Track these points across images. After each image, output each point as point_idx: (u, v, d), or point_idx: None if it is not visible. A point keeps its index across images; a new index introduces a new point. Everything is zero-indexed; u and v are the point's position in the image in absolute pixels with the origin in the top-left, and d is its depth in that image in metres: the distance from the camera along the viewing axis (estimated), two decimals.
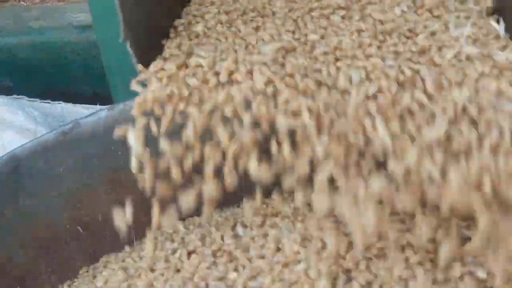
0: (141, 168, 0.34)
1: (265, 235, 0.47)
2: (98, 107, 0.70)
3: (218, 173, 0.32)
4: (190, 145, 0.31)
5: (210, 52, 0.32)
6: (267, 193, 0.50)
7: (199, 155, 0.32)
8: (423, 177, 0.28)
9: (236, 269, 0.44)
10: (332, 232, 0.40)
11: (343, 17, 0.36)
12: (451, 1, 0.37)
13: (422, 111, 0.29)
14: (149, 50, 0.32)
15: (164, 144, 0.32)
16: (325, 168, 0.29)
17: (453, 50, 0.32)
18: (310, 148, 0.29)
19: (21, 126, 0.67)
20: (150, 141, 0.34)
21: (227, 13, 0.37)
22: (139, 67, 0.31)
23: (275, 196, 0.50)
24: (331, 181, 0.30)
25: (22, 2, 1.47)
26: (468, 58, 0.32)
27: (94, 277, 0.51)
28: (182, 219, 0.53)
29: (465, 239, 0.37)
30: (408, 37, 0.34)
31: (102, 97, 0.79)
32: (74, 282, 0.51)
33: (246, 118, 0.29)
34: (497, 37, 0.34)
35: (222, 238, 0.48)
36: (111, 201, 0.54)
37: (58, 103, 0.72)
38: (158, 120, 0.32)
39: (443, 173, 0.28)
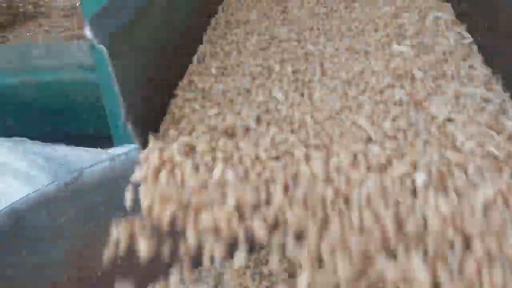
0: None
1: None
2: (99, 150, 0.70)
3: None
4: None
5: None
6: None
7: None
8: None
9: None
10: None
11: None
12: None
13: None
14: (149, 129, 0.33)
15: None
16: None
17: None
18: None
19: (22, 171, 0.67)
20: None
21: None
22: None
23: None
24: None
25: (27, 33, 1.50)
26: None
27: None
28: None
29: None
30: None
31: (105, 137, 0.80)
32: None
33: None
34: None
35: None
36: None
37: (60, 146, 0.72)
38: None
39: None
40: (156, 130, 0.33)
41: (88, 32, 0.26)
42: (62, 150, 0.71)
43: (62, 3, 1.72)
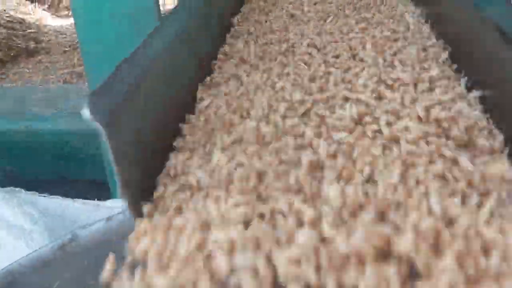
0: None
1: None
2: (97, 203, 0.69)
3: None
4: None
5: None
6: None
7: None
8: None
9: None
10: None
11: None
12: None
13: None
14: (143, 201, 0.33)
15: None
16: None
17: None
18: None
19: (16, 224, 0.66)
20: None
21: None
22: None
23: None
24: None
25: (26, 70, 1.51)
26: None
27: None
28: None
29: None
30: None
31: (101, 185, 0.79)
32: None
33: None
34: None
35: None
36: None
37: (56, 198, 0.71)
38: None
39: None
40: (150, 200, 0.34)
41: (86, 113, 0.27)
42: (58, 202, 0.70)
43: (63, 39, 1.74)
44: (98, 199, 0.73)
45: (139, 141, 0.35)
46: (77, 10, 0.77)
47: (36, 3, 2.11)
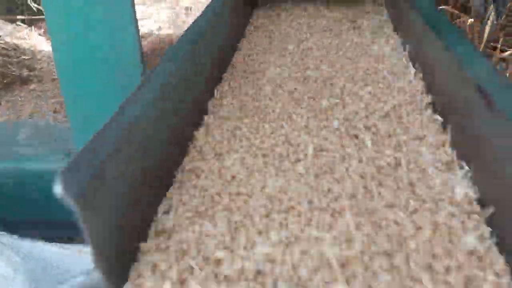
0: None
1: None
2: (80, 249, 0.69)
3: None
4: None
5: None
6: None
7: None
8: None
9: None
10: None
11: None
12: None
13: None
14: (121, 274, 0.32)
15: None
16: None
17: None
18: None
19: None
20: None
21: None
22: None
23: None
24: None
25: (18, 97, 1.51)
26: None
27: None
28: None
29: None
30: None
31: None
32: None
33: None
34: None
35: None
36: None
37: (38, 243, 0.70)
38: None
39: None
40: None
41: (59, 190, 0.26)
42: (41, 248, 0.69)
43: (53, 66, 1.74)
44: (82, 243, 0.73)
45: (116, 215, 0.33)
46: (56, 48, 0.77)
47: (32, 27, 2.12)
